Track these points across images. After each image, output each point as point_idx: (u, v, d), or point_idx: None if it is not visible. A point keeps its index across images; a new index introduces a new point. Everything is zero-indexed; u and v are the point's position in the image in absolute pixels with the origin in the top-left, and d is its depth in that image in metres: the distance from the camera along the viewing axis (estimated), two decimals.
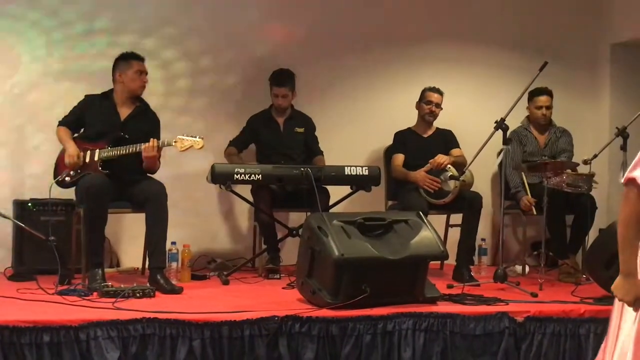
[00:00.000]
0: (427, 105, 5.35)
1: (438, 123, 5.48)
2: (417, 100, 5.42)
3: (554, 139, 5.60)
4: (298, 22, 5.85)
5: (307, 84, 5.59)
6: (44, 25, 5.34)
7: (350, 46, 5.92)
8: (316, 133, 5.49)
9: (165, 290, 4.22)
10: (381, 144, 5.66)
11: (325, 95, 5.89)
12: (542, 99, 5.53)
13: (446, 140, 5.44)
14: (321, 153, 5.43)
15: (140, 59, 4.70)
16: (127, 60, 4.68)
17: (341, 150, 5.59)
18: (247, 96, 5.67)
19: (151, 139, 4.50)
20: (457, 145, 5.43)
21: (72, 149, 4.56)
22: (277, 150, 5.31)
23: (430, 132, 5.47)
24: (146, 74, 4.72)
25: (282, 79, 5.30)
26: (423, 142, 5.42)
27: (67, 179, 4.57)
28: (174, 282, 4.48)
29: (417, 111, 5.45)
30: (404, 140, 5.44)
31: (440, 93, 5.37)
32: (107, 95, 4.74)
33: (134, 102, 4.75)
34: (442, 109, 5.39)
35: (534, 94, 5.49)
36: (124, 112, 4.71)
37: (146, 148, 4.48)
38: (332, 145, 5.56)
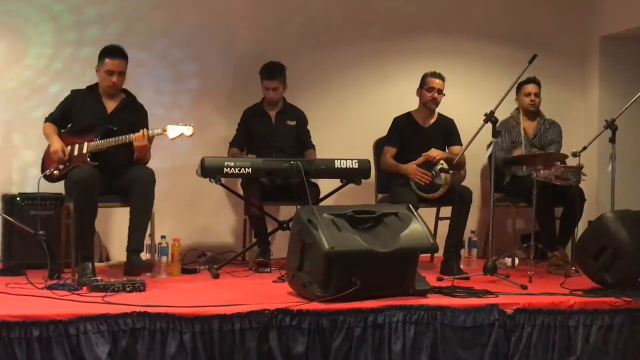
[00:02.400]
0: (429, 92, 5.21)
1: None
2: (418, 86, 5.29)
3: (543, 130, 5.62)
4: (289, 15, 5.84)
5: (298, 77, 5.58)
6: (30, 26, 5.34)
7: (341, 39, 5.92)
8: (307, 126, 5.48)
9: (137, 266, 4.30)
10: (372, 137, 5.64)
11: (316, 88, 5.88)
12: (530, 87, 5.55)
13: (447, 132, 5.34)
14: (313, 147, 5.42)
15: (115, 56, 4.60)
16: (102, 57, 4.63)
17: (332, 143, 5.59)
18: (239, 90, 5.66)
19: (142, 129, 4.49)
20: (458, 141, 5.31)
21: (56, 144, 4.54)
22: (268, 143, 5.29)
23: (431, 121, 5.34)
24: (118, 73, 4.61)
25: (272, 71, 5.27)
26: (422, 134, 5.29)
27: (55, 172, 4.55)
28: (163, 276, 4.48)
29: (415, 99, 5.34)
30: (401, 130, 5.31)
31: (442, 78, 5.23)
32: (93, 89, 4.72)
33: (119, 95, 4.73)
34: (444, 94, 5.26)
35: (522, 83, 5.49)
36: (111, 104, 4.70)
37: (137, 137, 4.48)
38: (323, 138, 5.55)
